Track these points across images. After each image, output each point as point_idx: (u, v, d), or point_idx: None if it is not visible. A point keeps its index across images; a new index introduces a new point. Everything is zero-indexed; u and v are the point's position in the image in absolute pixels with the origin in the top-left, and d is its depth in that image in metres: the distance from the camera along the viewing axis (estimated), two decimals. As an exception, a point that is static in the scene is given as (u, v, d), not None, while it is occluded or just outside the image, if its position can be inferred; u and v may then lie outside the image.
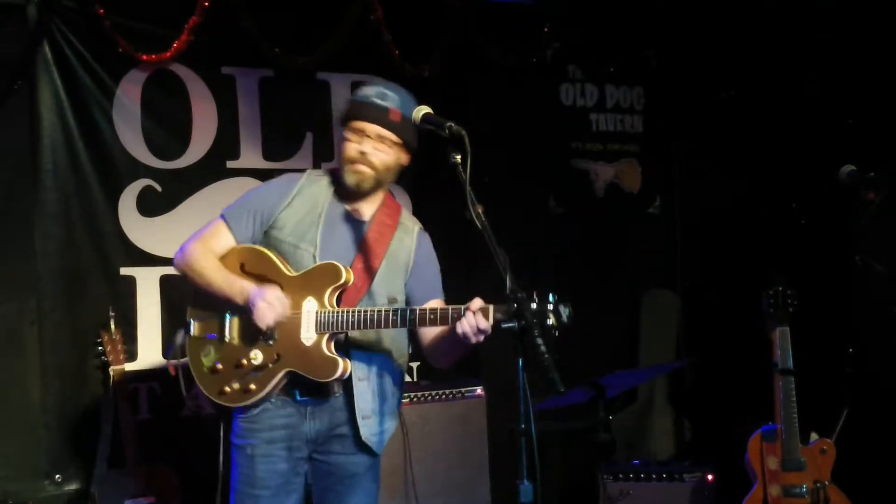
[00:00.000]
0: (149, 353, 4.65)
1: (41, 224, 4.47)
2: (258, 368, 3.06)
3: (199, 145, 4.82)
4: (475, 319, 2.83)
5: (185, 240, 3.21)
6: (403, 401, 4.56)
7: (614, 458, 5.18)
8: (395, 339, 3.21)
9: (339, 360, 3.03)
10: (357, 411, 3.13)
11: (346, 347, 3.10)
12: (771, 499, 4.31)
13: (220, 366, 3.11)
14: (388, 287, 3.19)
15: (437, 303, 3.20)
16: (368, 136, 3.09)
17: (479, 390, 4.82)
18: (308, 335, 3.04)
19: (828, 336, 4.94)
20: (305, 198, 3.17)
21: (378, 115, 3.08)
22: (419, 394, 4.69)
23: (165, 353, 3.25)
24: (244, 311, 3.06)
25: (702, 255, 5.98)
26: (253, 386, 3.07)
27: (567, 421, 4.71)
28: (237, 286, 3.07)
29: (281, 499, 3.13)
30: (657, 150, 6.12)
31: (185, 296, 4.58)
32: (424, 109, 2.91)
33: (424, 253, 3.32)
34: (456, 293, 5.29)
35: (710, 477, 4.64)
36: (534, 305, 2.69)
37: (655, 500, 4.66)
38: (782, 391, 4.34)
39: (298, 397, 3.11)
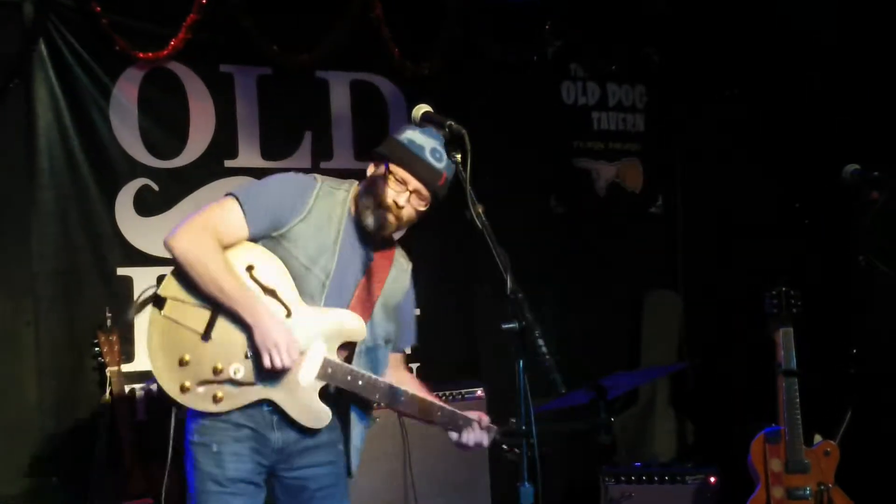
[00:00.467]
0: (146, 354, 4.54)
1: (37, 224, 4.45)
2: (234, 382, 2.86)
3: (197, 144, 4.79)
4: (482, 436, 3.07)
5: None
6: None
7: (616, 459, 5.18)
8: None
9: (330, 412, 2.96)
10: (352, 429, 3.07)
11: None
12: (774, 501, 4.30)
13: (190, 360, 2.84)
14: (384, 327, 3.12)
15: (402, 355, 3.27)
16: (409, 190, 2.99)
17: (479, 392, 4.81)
18: (307, 378, 2.93)
19: (831, 337, 4.93)
20: (321, 213, 2.99)
21: (429, 177, 2.99)
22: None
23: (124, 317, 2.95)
24: (243, 320, 2.88)
25: (704, 255, 5.96)
26: (220, 395, 2.86)
27: (568, 422, 4.64)
28: (250, 305, 2.84)
29: (254, 500, 2.98)
30: (659, 149, 6.10)
31: None
32: (424, 108, 2.85)
33: (412, 296, 3.27)
34: (457, 293, 5.34)
35: (712, 479, 4.62)
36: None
37: (657, 502, 4.63)
38: (785, 392, 4.33)
39: (266, 407, 2.95)
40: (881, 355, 4.82)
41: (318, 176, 3.07)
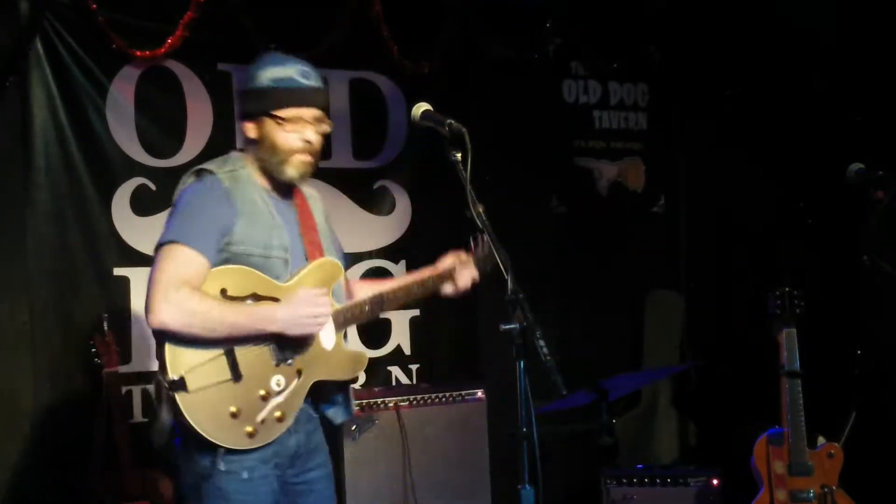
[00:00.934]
0: (142, 355, 4.59)
1: (33, 224, 4.42)
2: (281, 392, 2.83)
3: (194, 143, 4.75)
4: (467, 272, 3.18)
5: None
6: (403, 403, 4.56)
7: (617, 462, 5.17)
8: None
9: (363, 351, 3.00)
10: (351, 404, 3.07)
11: None
12: (777, 504, 4.26)
13: (239, 408, 2.75)
14: (337, 257, 3.11)
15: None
16: (307, 122, 2.90)
17: (479, 393, 4.78)
18: (329, 339, 2.94)
19: (835, 337, 4.91)
20: (244, 200, 2.88)
21: (318, 99, 2.93)
22: (418, 396, 4.65)
23: (158, 439, 2.79)
24: (256, 340, 2.80)
25: (707, 255, 5.95)
26: (280, 413, 2.82)
27: (569, 424, 4.67)
28: (259, 314, 2.78)
29: None
30: (661, 148, 6.07)
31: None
32: (424, 106, 2.84)
33: (326, 211, 3.22)
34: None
35: (715, 481, 4.59)
36: None
37: (659, 504, 4.62)
38: (789, 394, 4.30)
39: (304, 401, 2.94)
40: (885, 356, 4.80)
41: (206, 169, 2.91)
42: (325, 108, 2.97)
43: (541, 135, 5.63)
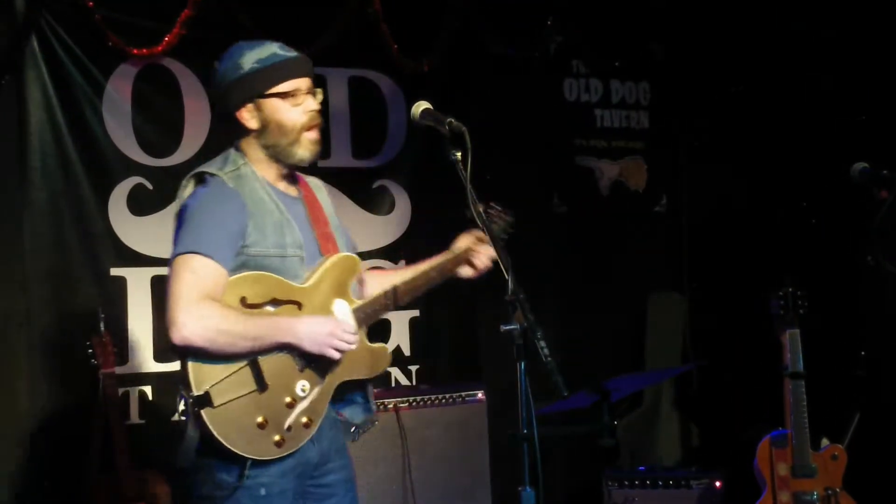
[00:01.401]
0: (140, 356, 4.59)
1: (29, 223, 4.40)
2: (306, 397, 2.76)
3: (192, 142, 4.73)
4: (484, 251, 3.09)
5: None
6: (402, 405, 4.53)
7: (619, 463, 5.11)
8: None
9: (386, 345, 2.94)
10: (371, 403, 3.00)
11: None
12: (781, 506, 4.25)
13: (266, 418, 2.68)
14: (349, 248, 3.01)
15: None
16: (306, 93, 2.81)
17: (479, 394, 4.74)
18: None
19: (839, 338, 4.90)
20: (253, 199, 2.77)
21: (304, 67, 2.83)
22: (418, 398, 4.62)
23: (183, 459, 2.67)
24: (278, 349, 2.73)
25: (709, 256, 5.92)
26: (307, 419, 2.75)
27: (570, 425, 4.65)
28: (281, 326, 2.70)
29: None
30: (663, 147, 6.04)
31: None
32: (424, 105, 2.81)
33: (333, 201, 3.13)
34: (457, 293, 5.29)
35: (717, 483, 4.57)
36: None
37: (661, 507, 4.61)
38: (792, 395, 4.28)
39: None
40: (889, 357, 4.78)
41: (208, 172, 2.80)
42: (313, 77, 2.88)
43: (541, 134, 5.61)
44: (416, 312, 5.20)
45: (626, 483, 4.60)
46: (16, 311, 4.36)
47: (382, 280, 3.08)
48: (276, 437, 2.70)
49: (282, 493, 2.76)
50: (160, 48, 4.53)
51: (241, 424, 2.66)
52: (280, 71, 2.79)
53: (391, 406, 4.49)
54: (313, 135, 2.84)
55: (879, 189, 3.52)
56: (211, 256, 2.65)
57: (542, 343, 2.43)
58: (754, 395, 5.11)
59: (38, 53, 4.40)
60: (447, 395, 4.65)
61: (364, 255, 5.13)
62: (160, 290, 4.56)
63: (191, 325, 2.58)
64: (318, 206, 2.99)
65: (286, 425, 2.71)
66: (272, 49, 2.81)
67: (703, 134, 5.87)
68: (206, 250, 2.65)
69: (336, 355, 2.74)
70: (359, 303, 2.91)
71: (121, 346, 4.47)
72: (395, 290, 2.97)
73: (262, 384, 2.69)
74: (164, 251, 4.25)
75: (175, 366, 4.66)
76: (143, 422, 4.55)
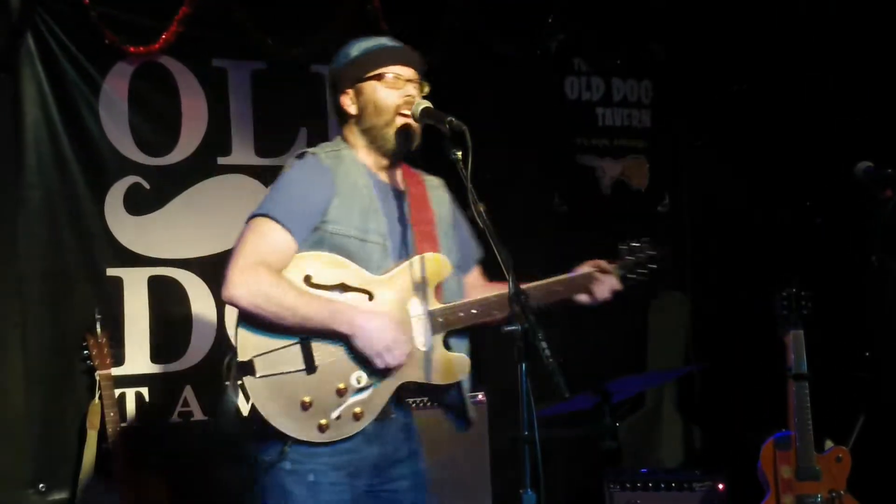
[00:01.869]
0: (136, 357, 4.57)
1: (24, 223, 4.39)
2: (362, 389, 2.71)
3: (189, 141, 4.73)
4: (608, 281, 3.12)
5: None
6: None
7: (621, 466, 5.07)
8: None
9: (465, 356, 2.86)
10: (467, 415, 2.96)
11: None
12: (784, 509, 4.24)
13: (312, 400, 2.65)
14: (451, 255, 2.92)
15: (477, 268, 3.07)
16: (407, 80, 2.83)
17: (480, 396, 4.71)
18: (425, 340, 2.79)
19: (843, 339, 4.88)
20: (345, 180, 2.77)
21: (409, 57, 2.85)
22: (418, 399, 4.55)
23: (222, 419, 2.72)
24: (332, 337, 2.69)
25: (712, 255, 5.90)
26: (359, 410, 2.69)
27: (572, 428, 4.57)
28: (338, 312, 2.66)
29: None
30: (666, 145, 6.02)
31: (173, 298, 4.66)
32: (423, 103, 2.79)
33: (457, 208, 3.05)
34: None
35: (720, 486, 4.52)
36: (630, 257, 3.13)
37: (664, 509, 4.60)
38: (796, 397, 4.25)
39: (393, 411, 2.80)
40: (894, 358, 4.71)
41: (309, 151, 2.85)
42: (422, 73, 2.89)
43: (542, 132, 5.59)
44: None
45: (628, 485, 4.56)
46: (11, 312, 4.35)
47: (486, 292, 2.96)
48: (322, 422, 2.66)
49: (333, 486, 2.72)
50: (157, 46, 4.52)
51: (284, 401, 2.64)
52: (382, 56, 2.83)
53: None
54: (407, 119, 2.82)
55: (884, 188, 3.49)
56: (282, 223, 2.67)
57: (544, 344, 2.39)
58: (757, 396, 5.07)
59: (34, 51, 4.40)
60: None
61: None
62: (157, 291, 4.59)
63: (240, 284, 2.61)
64: (426, 205, 2.93)
65: (335, 413, 2.68)
66: (381, 40, 2.89)
67: (706, 133, 5.85)
68: (279, 216, 2.68)
69: (380, 366, 2.68)
70: (440, 306, 2.82)
71: (117, 347, 4.47)
72: (486, 300, 2.85)
73: (311, 365, 2.67)
74: (162, 251, 4.26)
75: (173, 367, 4.74)
76: (139, 423, 4.53)
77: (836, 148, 4.95)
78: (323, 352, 2.68)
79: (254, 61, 4.85)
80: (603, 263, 3.10)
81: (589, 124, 5.85)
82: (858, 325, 4.95)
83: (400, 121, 2.81)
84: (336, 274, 2.72)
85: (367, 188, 2.81)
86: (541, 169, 5.61)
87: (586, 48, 5.78)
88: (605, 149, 5.88)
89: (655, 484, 4.57)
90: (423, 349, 2.78)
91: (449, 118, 2.66)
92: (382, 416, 2.77)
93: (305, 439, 2.66)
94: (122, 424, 4.36)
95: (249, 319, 2.64)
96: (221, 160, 4.80)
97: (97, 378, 4.28)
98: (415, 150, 2.90)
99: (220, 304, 4.65)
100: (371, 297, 2.74)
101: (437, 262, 2.84)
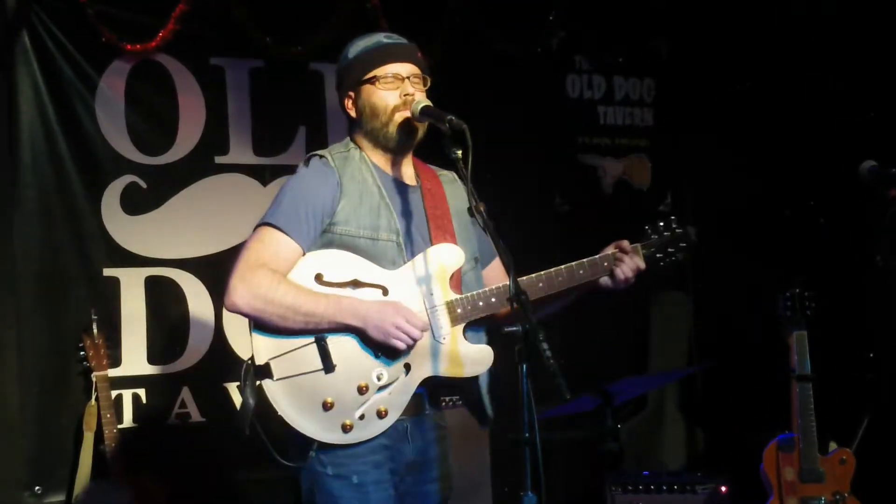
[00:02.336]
0: (133, 358, 4.56)
1: (20, 223, 4.38)
2: (384, 387, 2.68)
3: (187, 140, 4.71)
4: (632, 262, 3.02)
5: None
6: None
7: (623, 468, 5.06)
8: None
9: (487, 346, 2.81)
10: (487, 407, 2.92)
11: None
12: (788, 511, 4.23)
13: (333, 400, 2.63)
14: (469, 247, 2.90)
15: (497, 261, 2.96)
16: (404, 78, 2.81)
17: (480, 396, 4.68)
18: (444, 332, 2.74)
19: (847, 340, 4.88)
20: (352, 179, 2.77)
21: (404, 53, 2.84)
22: (448, 399, 4.54)
23: (241, 423, 2.66)
24: (344, 331, 2.68)
25: (715, 255, 5.84)
26: (383, 408, 2.67)
27: (573, 429, 4.64)
28: (343, 305, 2.64)
29: None
30: (668, 144, 5.99)
31: (171, 298, 4.63)
32: (423, 102, 2.78)
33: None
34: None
35: (723, 488, 4.55)
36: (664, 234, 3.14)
37: (666, 512, 4.59)
38: (799, 398, 4.25)
39: (427, 408, 2.79)
40: (899, 359, 4.76)
41: (318, 153, 2.85)
42: (422, 67, 2.88)
43: (544, 131, 5.57)
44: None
45: (630, 488, 4.58)
46: (6, 313, 4.33)
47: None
48: (345, 422, 2.64)
49: (378, 484, 2.71)
50: (154, 44, 4.51)
51: (304, 403, 2.63)
52: (375, 56, 2.82)
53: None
54: (407, 113, 2.80)
55: (888, 188, 3.48)
56: (284, 230, 2.69)
57: (545, 345, 2.36)
58: (760, 397, 5.06)
59: (30, 49, 4.39)
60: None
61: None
62: (154, 291, 4.58)
63: (240, 291, 2.64)
64: (441, 199, 2.92)
65: (358, 412, 2.65)
66: (376, 38, 2.87)
67: (709, 131, 5.82)
68: (281, 224, 2.70)
69: (401, 346, 2.65)
70: (457, 296, 2.79)
71: (114, 348, 4.45)
72: (506, 287, 2.73)
73: (328, 365, 2.65)
74: (159, 251, 4.22)
75: (170, 368, 4.72)
76: (136, 425, 4.51)
77: (840, 147, 4.94)
78: (339, 349, 2.66)
79: (252, 59, 4.84)
80: (624, 243, 3.05)
81: (590, 123, 5.83)
82: (862, 325, 4.96)
83: (399, 117, 2.80)
84: (348, 270, 2.72)
85: (376, 186, 2.80)
86: (542, 168, 5.59)
87: (588, 46, 5.76)
88: (606, 148, 5.86)
89: (658, 486, 4.59)
90: (443, 342, 2.75)
91: (449, 117, 2.65)
92: (416, 413, 2.76)
93: (330, 441, 2.65)
94: (119, 426, 4.36)
95: (260, 324, 2.65)
96: (219, 159, 4.78)
97: (94, 379, 4.27)
98: (421, 140, 2.88)
99: (218, 305, 4.63)
100: (386, 293, 2.73)
101: (450, 253, 2.81)
